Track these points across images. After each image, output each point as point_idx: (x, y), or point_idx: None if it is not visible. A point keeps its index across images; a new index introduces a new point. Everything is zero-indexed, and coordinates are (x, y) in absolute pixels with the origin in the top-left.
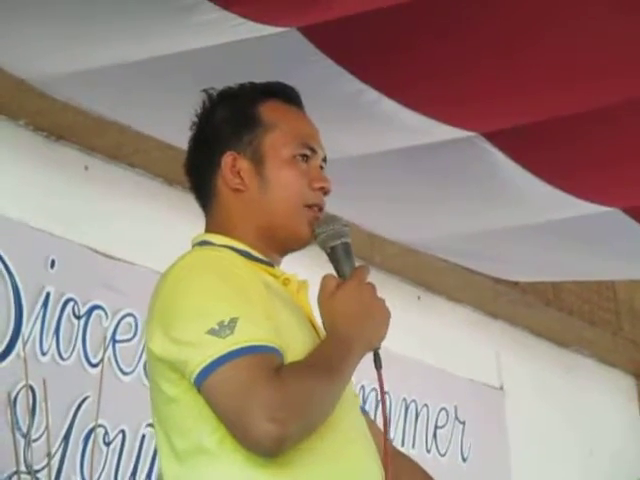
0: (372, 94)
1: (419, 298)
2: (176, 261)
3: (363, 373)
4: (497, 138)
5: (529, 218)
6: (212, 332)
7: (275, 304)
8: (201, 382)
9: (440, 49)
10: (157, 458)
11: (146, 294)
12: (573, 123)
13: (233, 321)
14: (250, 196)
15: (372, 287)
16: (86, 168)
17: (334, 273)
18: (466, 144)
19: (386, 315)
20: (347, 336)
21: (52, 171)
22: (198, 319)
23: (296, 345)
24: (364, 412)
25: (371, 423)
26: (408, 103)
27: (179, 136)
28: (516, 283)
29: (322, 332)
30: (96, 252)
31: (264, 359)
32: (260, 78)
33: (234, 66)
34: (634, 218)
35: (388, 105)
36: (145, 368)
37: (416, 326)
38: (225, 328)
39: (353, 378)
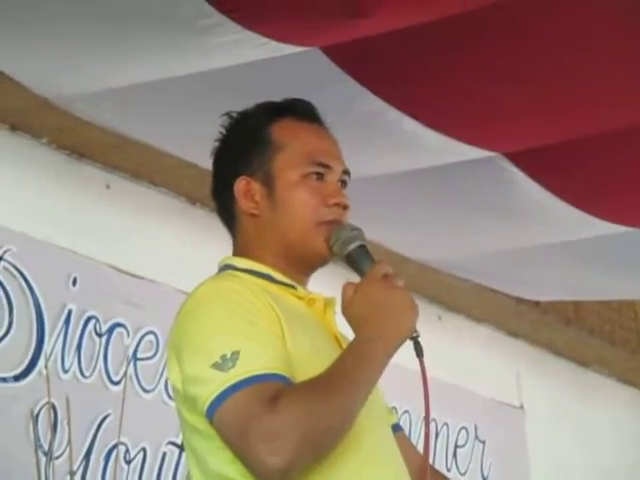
0: (394, 114)
1: (440, 318)
2: (193, 290)
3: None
4: (518, 158)
5: (550, 238)
6: (216, 366)
7: (293, 329)
8: (211, 417)
9: (462, 70)
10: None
11: (167, 312)
12: (594, 144)
13: (235, 354)
14: (264, 219)
15: (386, 281)
16: (107, 186)
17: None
18: (487, 164)
19: (407, 303)
20: (366, 338)
21: (74, 189)
22: (203, 354)
23: (315, 368)
24: (399, 429)
25: (404, 440)
26: (429, 123)
27: (201, 155)
28: (537, 303)
29: None
30: (118, 270)
31: (262, 389)
32: (282, 97)
33: (256, 86)
34: None
35: (409, 125)
36: (166, 386)
37: (437, 345)
38: (227, 361)
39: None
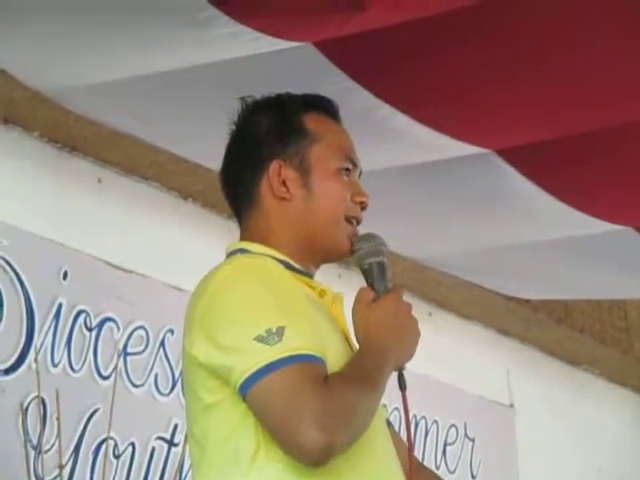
0: (386, 109)
1: (430, 315)
2: (217, 268)
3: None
4: (510, 155)
5: (541, 235)
6: (260, 339)
7: (315, 314)
8: (247, 389)
9: (454, 66)
10: (191, 470)
11: (158, 307)
12: (587, 141)
13: (281, 329)
14: (294, 205)
15: (409, 306)
16: (99, 180)
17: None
18: (479, 160)
19: (418, 336)
20: (382, 348)
21: (65, 183)
22: (245, 326)
23: (334, 355)
24: (389, 424)
25: (394, 435)
26: (422, 119)
27: (193, 150)
28: (527, 301)
29: (354, 344)
30: (108, 264)
31: (312, 368)
32: (275, 93)
33: (249, 80)
34: None
35: (402, 121)
36: (156, 381)
37: (427, 343)
38: (273, 335)
39: None
